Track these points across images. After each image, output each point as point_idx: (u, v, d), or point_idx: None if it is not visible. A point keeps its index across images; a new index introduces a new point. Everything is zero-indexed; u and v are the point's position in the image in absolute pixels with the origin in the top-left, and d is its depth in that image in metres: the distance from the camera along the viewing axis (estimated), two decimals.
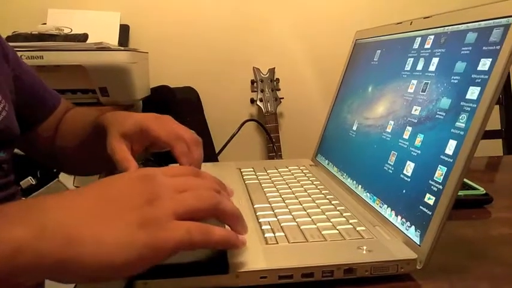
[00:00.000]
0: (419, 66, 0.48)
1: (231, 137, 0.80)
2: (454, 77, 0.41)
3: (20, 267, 0.25)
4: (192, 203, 0.31)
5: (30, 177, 1.14)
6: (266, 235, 0.42)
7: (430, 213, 0.38)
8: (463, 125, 0.38)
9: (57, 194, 0.30)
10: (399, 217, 0.43)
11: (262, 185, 0.59)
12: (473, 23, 0.41)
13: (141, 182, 0.31)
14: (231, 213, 0.34)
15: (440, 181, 0.38)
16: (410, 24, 0.53)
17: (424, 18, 0.50)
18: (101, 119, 0.52)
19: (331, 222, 0.45)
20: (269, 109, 1.66)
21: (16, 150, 0.66)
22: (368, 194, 0.51)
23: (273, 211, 0.48)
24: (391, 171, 0.47)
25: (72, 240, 0.26)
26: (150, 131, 0.47)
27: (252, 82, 1.71)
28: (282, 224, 0.44)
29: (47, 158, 0.67)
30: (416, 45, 0.51)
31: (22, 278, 0.26)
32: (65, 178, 1.15)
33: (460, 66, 0.41)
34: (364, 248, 0.39)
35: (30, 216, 0.27)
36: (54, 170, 1.15)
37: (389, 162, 0.48)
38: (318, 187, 0.58)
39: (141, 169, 0.34)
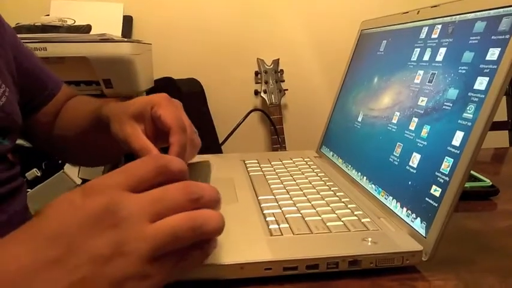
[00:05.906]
0: (426, 57, 0.48)
1: (236, 126, 0.80)
2: (462, 67, 0.41)
3: None
4: (167, 239, 0.26)
5: (35, 169, 1.15)
6: (270, 227, 0.42)
7: (436, 205, 0.38)
8: (471, 115, 0.37)
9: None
10: (404, 209, 0.43)
11: (267, 177, 0.59)
12: (482, 12, 0.40)
13: (101, 222, 0.25)
14: (217, 232, 0.28)
15: (446, 173, 0.38)
16: (418, 13, 0.52)
17: (432, 7, 0.49)
18: (103, 109, 0.47)
19: (335, 213, 0.45)
20: (273, 101, 1.65)
21: (22, 142, 0.65)
22: (373, 185, 0.50)
23: (278, 203, 0.48)
24: (396, 163, 0.47)
25: None
26: (159, 108, 0.42)
27: (256, 73, 1.71)
28: (286, 216, 0.44)
29: (45, 146, 0.65)
30: (423, 35, 0.50)
31: None
32: (70, 170, 1.16)
33: (468, 56, 0.41)
34: (369, 239, 0.38)
35: None
36: (60, 162, 1.15)
37: (394, 153, 0.47)
38: (323, 179, 0.57)
39: (98, 195, 0.26)
